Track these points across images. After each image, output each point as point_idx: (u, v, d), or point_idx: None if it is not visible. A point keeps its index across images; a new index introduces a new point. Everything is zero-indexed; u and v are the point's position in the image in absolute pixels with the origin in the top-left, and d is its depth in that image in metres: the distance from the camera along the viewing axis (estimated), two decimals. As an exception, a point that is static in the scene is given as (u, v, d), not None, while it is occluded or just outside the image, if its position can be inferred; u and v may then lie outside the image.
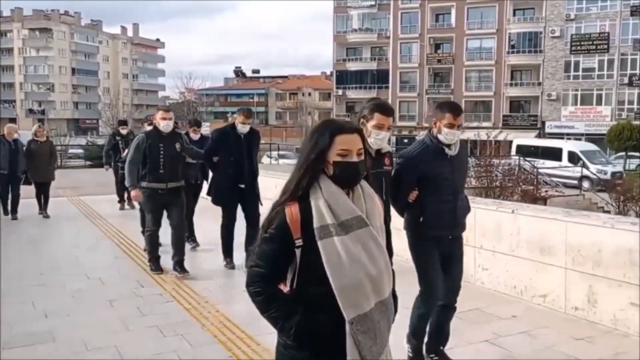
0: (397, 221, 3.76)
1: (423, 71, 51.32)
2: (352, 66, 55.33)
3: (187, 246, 7.33)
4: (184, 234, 6.73)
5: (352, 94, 55.43)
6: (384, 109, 3.54)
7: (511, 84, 48.39)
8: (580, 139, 37.00)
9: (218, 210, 6.84)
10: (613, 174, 25.92)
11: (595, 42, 43.05)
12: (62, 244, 8.66)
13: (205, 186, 7.66)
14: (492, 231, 5.79)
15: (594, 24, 43.73)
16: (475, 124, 43.48)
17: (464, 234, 4.05)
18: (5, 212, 10.55)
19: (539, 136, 41.91)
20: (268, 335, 4.48)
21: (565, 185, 22.12)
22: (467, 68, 49.64)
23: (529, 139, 34.80)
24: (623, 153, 35.58)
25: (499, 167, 17.69)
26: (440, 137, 3.76)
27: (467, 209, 4.02)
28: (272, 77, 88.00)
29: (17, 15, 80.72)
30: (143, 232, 7.52)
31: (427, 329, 4.01)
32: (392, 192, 3.68)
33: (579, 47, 43.66)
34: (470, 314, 5.02)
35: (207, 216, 7.81)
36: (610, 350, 4.40)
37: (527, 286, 5.50)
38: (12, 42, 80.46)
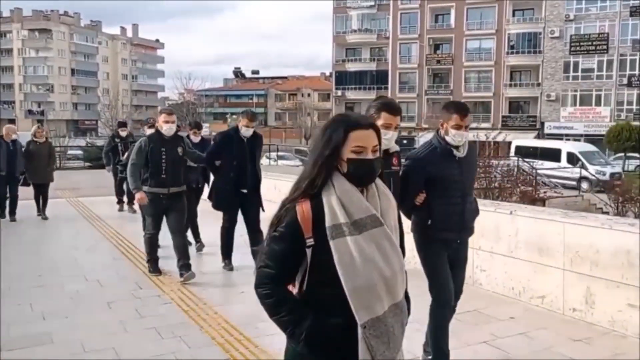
0: (404, 223, 3.75)
1: (422, 72, 51.35)
2: (352, 67, 55.38)
3: (194, 250, 7.35)
4: (185, 238, 6.64)
5: (352, 94, 55.48)
6: (391, 107, 3.47)
7: (510, 85, 48.43)
8: (579, 140, 37.04)
9: (219, 213, 6.79)
10: (612, 174, 25.97)
11: (594, 43, 43.11)
12: (60, 245, 8.65)
13: (207, 189, 7.63)
14: (490, 232, 5.79)
15: (594, 25, 43.77)
16: (474, 125, 43.27)
17: (464, 235, 4.03)
18: (2, 215, 10.51)
19: (538, 137, 41.93)
20: (266, 337, 4.51)
21: (564, 186, 22.16)
22: (466, 69, 49.69)
23: (528, 139, 34.87)
24: (622, 154, 35.60)
25: (497, 168, 17.71)
26: (448, 138, 3.69)
27: (476, 212, 3.96)
28: (272, 78, 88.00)
29: (16, 15, 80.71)
30: None
31: (426, 329, 4.00)
32: (399, 194, 3.61)
33: (578, 48, 43.71)
34: (469, 315, 5.02)
35: (207, 219, 7.78)
36: (608, 351, 4.41)
37: (525, 287, 5.51)
38: (11, 42, 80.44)
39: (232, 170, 6.44)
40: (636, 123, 37.74)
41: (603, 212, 16.52)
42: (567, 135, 41.72)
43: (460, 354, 4.24)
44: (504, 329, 4.86)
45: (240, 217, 6.76)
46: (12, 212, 10.54)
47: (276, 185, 9.00)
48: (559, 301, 5.18)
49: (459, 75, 49.92)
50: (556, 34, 45.03)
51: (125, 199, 11.48)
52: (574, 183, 23.15)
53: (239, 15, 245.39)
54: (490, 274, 5.87)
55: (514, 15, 48.03)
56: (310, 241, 1.92)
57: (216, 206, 6.70)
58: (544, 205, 15.26)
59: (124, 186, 11.19)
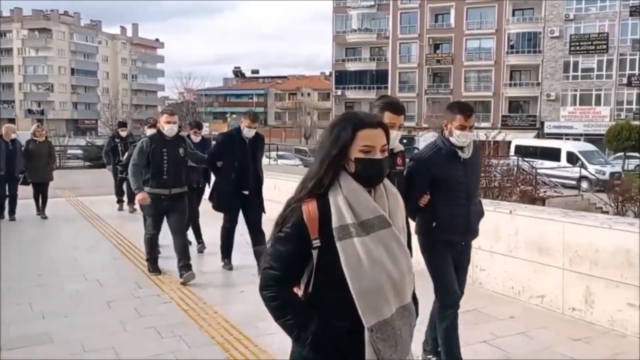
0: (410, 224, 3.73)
1: (422, 71, 51.35)
2: (352, 66, 55.38)
3: (194, 250, 7.31)
4: (186, 239, 6.59)
5: (352, 94, 55.49)
6: (395, 107, 3.43)
7: (510, 84, 48.43)
8: (579, 139, 37.03)
9: (219, 213, 6.74)
10: (612, 174, 25.97)
11: (594, 43, 43.11)
12: (60, 245, 8.65)
13: (207, 190, 7.58)
14: (490, 232, 5.78)
15: (593, 24, 43.76)
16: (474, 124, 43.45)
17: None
18: (1, 215, 10.48)
19: (537, 136, 41.93)
20: (265, 337, 4.51)
21: (564, 186, 22.15)
22: (466, 68, 49.68)
23: (527, 139, 34.85)
24: (622, 153, 35.61)
25: (497, 167, 17.70)
26: (452, 139, 3.64)
27: (481, 214, 3.90)
28: (272, 78, 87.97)
29: (16, 15, 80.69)
30: None
31: (425, 328, 3.99)
32: (403, 195, 3.58)
33: (578, 48, 43.71)
34: (468, 314, 5.01)
35: (208, 218, 7.74)
36: (608, 350, 4.41)
37: (525, 287, 5.51)
38: (11, 42, 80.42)
39: (233, 171, 6.38)
40: (636, 122, 37.74)
41: (603, 212, 16.52)
42: (566, 134, 41.74)
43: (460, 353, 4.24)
44: (504, 328, 4.86)
45: (240, 217, 6.72)
46: (12, 212, 10.53)
47: (276, 185, 9.00)
48: (559, 300, 5.18)
49: (458, 75, 49.92)
50: (556, 34, 45.02)
51: (125, 198, 11.48)
52: (574, 182, 23.15)
53: (239, 15, 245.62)
54: (490, 273, 5.87)
55: (513, 14, 48.02)
56: (316, 242, 1.88)
57: (217, 207, 6.63)
58: (543, 204, 15.25)
59: (124, 186, 11.20)
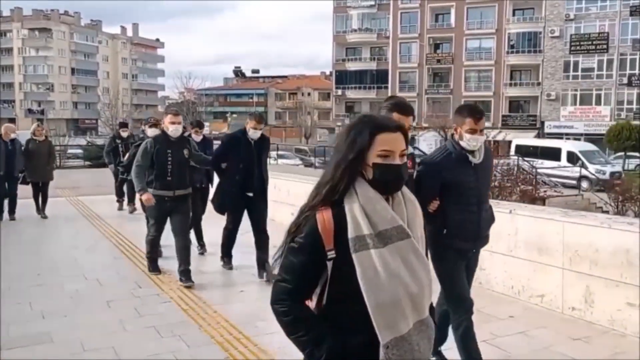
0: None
1: (422, 71, 51.33)
2: (352, 66, 55.38)
3: (195, 251, 7.23)
4: (188, 242, 6.49)
5: (352, 94, 55.51)
6: (403, 107, 3.33)
7: (510, 84, 48.41)
8: (579, 139, 37.02)
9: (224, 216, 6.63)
10: (612, 174, 25.97)
11: (594, 42, 43.09)
12: (60, 244, 8.65)
13: (211, 191, 7.49)
14: (490, 231, 5.77)
15: (594, 24, 43.75)
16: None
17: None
18: (0, 215, 10.44)
19: (538, 136, 41.93)
20: (265, 336, 4.51)
21: (564, 186, 22.16)
22: (466, 68, 49.67)
23: (528, 139, 34.85)
24: (622, 153, 35.61)
25: (497, 167, 17.70)
26: (463, 143, 3.53)
27: (492, 220, 3.80)
28: (272, 77, 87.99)
29: (16, 15, 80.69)
30: None
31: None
32: None
33: (578, 47, 43.70)
34: (468, 314, 5.02)
35: (210, 219, 7.67)
36: (608, 350, 4.41)
37: (525, 286, 5.51)
38: (11, 42, 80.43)
39: (238, 172, 6.27)
40: (636, 122, 37.75)
41: (603, 211, 16.53)
42: (567, 134, 41.74)
43: (453, 354, 4.24)
44: (504, 328, 4.86)
45: (243, 217, 6.62)
46: (12, 211, 10.53)
47: (276, 185, 8.99)
48: (559, 300, 5.18)
49: (459, 75, 49.91)
50: (556, 34, 45.01)
51: (125, 198, 11.45)
52: (574, 182, 23.15)
53: (239, 15, 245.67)
54: (489, 273, 5.86)
55: (514, 14, 48.01)
56: (331, 253, 1.78)
57: (219, 209, 6.50)
58: (544, 204, 15.26)
59: (124, 187, 11.15)
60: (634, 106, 42.61)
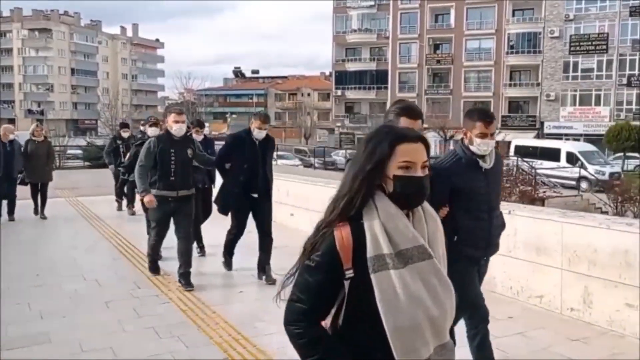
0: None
1: (422, 71, 51.34)
2: (352, 66, 55.38)
3: (194, 253, 7.12)
4: (191, 245, 6.40)
5: (352, 94, 55.52)
6: (411, 112, 3.21)
7: (510, 85, 48.43)
8: (578, 140, 37.04)
9: (226, 217, 6.52)
10: (611, 174, 25.97)
11: (594, 43, 43.12)
12: (59, 245, 8.64)
13: (214, 192, 7.40)
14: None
15: (593, 25, 43.76)
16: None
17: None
18: None
19: (537, 137, 41.92)
20: (264, 337, 4.52)
21: (564, 186, 22.17)
22: (466, 68, 49.68)
23: (527, 139, 34.84)
24: (621, 154, 35.58)
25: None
26: (473, 148, 3.43)
27: (502, 227, 3.72)
28: (272, 78, 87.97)
29: (16, 15, 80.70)
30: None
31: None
32: None
33: (577, 48, 43.72)
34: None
35: (212, 219, 7.66)
36: (606, 351, 4.41)
37: (524, 287, 5.51)
38: (11, 42, 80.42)
39: (242, 173, 6.13)
40: (636, 123, 37.74)
41: (602, 212, 16.52)
42: (566, 135, 41.73)
43: (458, 353, 4.18)
44: (502, 328, 4.85)
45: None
46: (11, 212, 10.51)
47: (276, 185, 8.96)
48: (557, 301, 5.18)
49: (458, 75, 49.92)
50: (556, 34, 45.02)
51: (125, 200, 11.40)
52: (574, 183, 23.16)
53: (239, 15, 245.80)
54: (488, 273, 5.82)
55: (513, 15, 48.01)
56: (349, 272, 1.70)
57: (222, 210, 6.40)
58: (543, 204, 15.26)
59: (125, 188, 11.10)
60: (634, 107, 42.62)
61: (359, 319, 1.75)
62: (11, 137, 10.46)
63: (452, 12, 49.67)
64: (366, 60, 55.11)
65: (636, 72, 42.28)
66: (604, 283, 4.75)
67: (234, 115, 70.25)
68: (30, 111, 76.66)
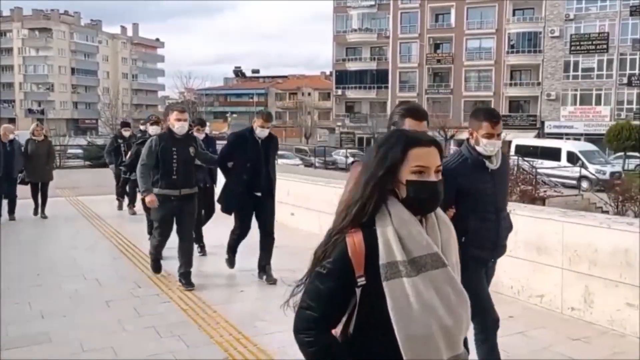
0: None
1: (422, 71, 51.35)
2: (352, 66, 55.37)
3: (195, 252, 7.05)
4: (192, 244, 6.36)
5: (352, 93, 55.51)
6: (416, 113, 3.15)
7: (510, 84, 48.44)
8: (579, 139, 37.02)
9: (223, 214, 6.49)
10: (612, 174, 25.97)
11: (594, 42, 43.10)
12: (60, 244, 8.64)
13: (216, 191, 7.37)
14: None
15: (594, 24, 43.75)
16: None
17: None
18: None
19: (538, 136, 41.93)
20: (265, 336, 4.51)
21: (564, 186, 22.16)
22: (466, 68, 49.69)
23: (528, 139, 34.84)
24: (622, 153, 35.61)
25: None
26: (479, 148, 3.37)
27: (510, 228, 3.66)
28: (272, 77, 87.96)
29: (16, 15, 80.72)
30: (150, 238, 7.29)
31: None
32: None
33: (578, 47, 43.70)
34: (467, 314, 5.01)
35: (216, 220, 7.64)
36: (607, 350, 4.41)
37: (524, 286, 5.50)
38: (11, 41, 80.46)
39: (245, 172, 6.07)
40: (636, 122, 37.75)
41: (603, 211, 16.53)
42: (567, 134, 41.74)
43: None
44: (503, 328, 4.82)
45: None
46: (11, 212, 10.50)
47: (276, 184, 8.96)
48: (558, 300, 5.18)
49: (459, 75, 49.93)
50: (556, 34, 45.02)
51: (125, 200, 11.37)
52: (574, 182, 23.15)
53: (239, 15, 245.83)
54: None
55: (514, 14, 48.01)
56: (361, 280, 1.67)
57: (226, 209, 6.33)
58: (543, 204, 15.25)
59: (127, 188, 11.07)
60: (634, 106, 42.62)
61: (370, 328, 1.72)
62: (11, 136, 10.42)
63: (453, 11, 49.68)
64: (366, 59, 55.10)
65: (636, 71, 42.28)
66: (605, 282, 4.75)
67: (234, 115, 70.27)
68: (30, 111, 76.67)
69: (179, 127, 5.97)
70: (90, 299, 5.68)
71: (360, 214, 1.71)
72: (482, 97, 48.64)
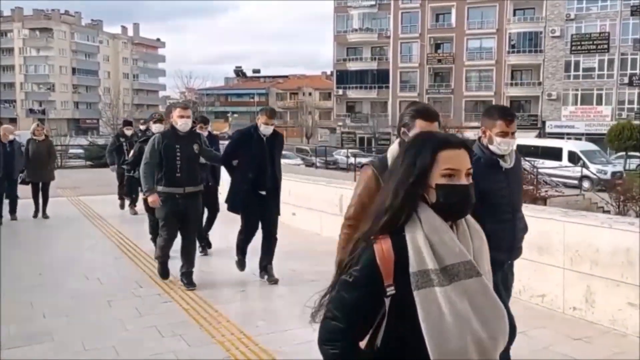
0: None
1: (423, 71, 51.34)
2: (353, 66, 55.37)
3: (197, 253, 7.01)
4: (195, 244, 6.31)
5: (353, 93, 55.51)
6: (427, 114, 3.07)
7: (511, 84, 48.40)
8: (580, 139, 37.03)
9: (225, 214, 6.43)
10: (613, 173, 25.92)
11: (595, 42, 43.04)
12: (61, 244, 8.66)
13: (219, 190, 7.32)
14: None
15: (594, 24, 43.72)
16: (475, 124, 43.47)
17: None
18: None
19: (539, 136, 41.91)
20: (266, 336, 4.51)
21: (566, 185, 22.13)
22: (467, 68, 49.67)
23: (529, 138, 34.78)
24: (623, 153, 35.54)
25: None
26: (492, 147, 3.29)
27: (525, 229, 3.59)
28: (273, 77, 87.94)
29: (17, 15, 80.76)
30: (152, 240, 7.25)
31: None
32: None
33: (579, 47, 43.65)
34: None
35: (221, 220, 7.63)
36: (608, 350, 4.41)
37: (526, 286, 5.50)
38: (12, 41, 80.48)
39: (250, 170, 5.98)
40: (637, 122, 37.66)
41: (604, 211, 16.52)
42: (568, 134, 41.72)
43: None
44: (504, 327, 4.85)
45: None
46: (13, 212, 10.49)
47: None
48: (559, 300, 5.18)
49: (460, 75, 49.91)
50: (557, 33, 45.00)
51: (127, 200, 11.34)
52: (576, 182, 23.13)
53: (240, 15, 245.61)
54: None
55: (514, 14, 47.99)
56: (390, 289, 1.58)
57: (232, 207, 6.26)
58: (545, 204, 15.25)
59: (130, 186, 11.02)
60: (635, 106, 42.60)
61: (399, 340, 1.62)
62: (11, 137, 10.34)
63: (453, 11, 49.67)
64: (367, 59, 55.09)
65: (637, 71, 42.23)
66: (606, 282, 4.74)
67: (235, 115, 70.24)
68: (31, 111, 76.71)
69: (182, 124, 5.89)
70: (92, 298, 5.69)
71: (390, 224, 1.63)
72: (482, 97, 48.66)
